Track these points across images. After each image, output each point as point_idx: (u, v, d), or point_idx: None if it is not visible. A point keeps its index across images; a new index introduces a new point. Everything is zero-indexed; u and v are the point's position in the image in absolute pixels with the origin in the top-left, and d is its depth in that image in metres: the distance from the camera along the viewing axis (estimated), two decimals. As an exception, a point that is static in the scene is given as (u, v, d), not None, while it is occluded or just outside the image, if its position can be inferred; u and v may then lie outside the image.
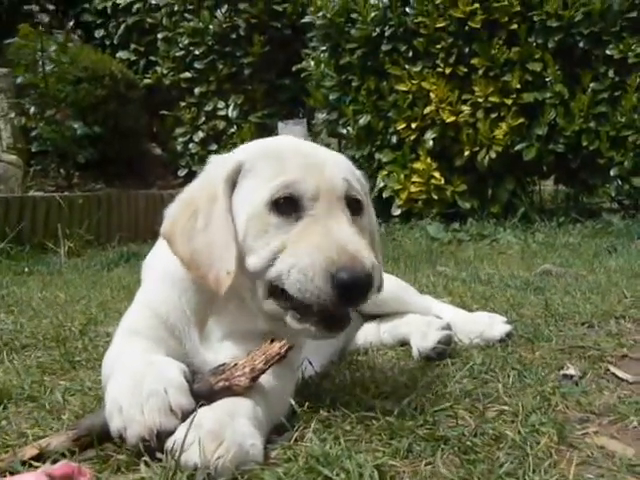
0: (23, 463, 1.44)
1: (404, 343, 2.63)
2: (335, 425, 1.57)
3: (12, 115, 9.17)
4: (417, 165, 8.22)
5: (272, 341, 1.66)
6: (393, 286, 2.73)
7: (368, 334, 2.71)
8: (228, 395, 1.56)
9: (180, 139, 10.95)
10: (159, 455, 1.38)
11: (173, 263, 1.88)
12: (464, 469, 1.38)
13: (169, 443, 1.39)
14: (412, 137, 8.30)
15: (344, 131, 9.00)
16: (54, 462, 1.41)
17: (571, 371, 2.17)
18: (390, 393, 1.93)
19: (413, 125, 8.25)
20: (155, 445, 1.41)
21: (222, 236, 1.76)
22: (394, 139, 8.47)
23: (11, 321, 3.41)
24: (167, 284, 1.94)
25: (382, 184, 8.51)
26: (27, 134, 9.15)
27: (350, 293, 1.64)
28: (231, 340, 1.87)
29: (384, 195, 8.49)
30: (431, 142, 8.14)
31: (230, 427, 1.42)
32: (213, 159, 1.92)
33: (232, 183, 1.80)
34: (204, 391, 1.57)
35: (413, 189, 8.23)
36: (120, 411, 1.48)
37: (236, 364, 1.61)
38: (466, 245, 7.00)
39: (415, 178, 8.21)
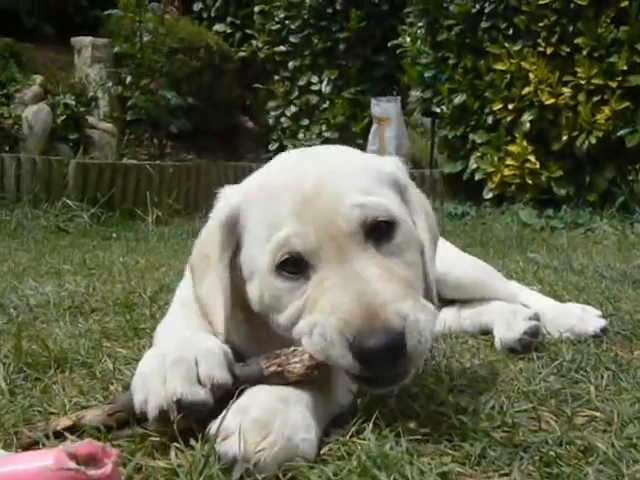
0: (56, 434, 1.34)
1: (486, 332, 2.42)
2: (400, 421, 1.40)
3: (109, 84, 9.32)
4: (512, 148, 7.90)
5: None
6: (476, 269, 2.52)
7: (447, 319, 2.49)
8: (279, 382, 1.40)
9: (272, 113, 10.91)
10: (193, 442, 1.24)
11: None
12: (544, 484, 1.19)
13: (209, 428, 1.25)
14: (508, 118, 7.98)
15: (438, 110, 8.77)
16: (89, 436, 1.30)
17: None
18: (466, 387, 1.75)
19: (510, 106, 7.93)
20: (175, 418, 1.26)
21: (215, 295, 1.58)
22: (490, 120, 8.18)
23: (85, 284, 3.39)
24: None
25: (475, 166, 8.27)
26: (123, 103, 9.29)
27: (376, 360, 1.35)
28: None
29: (476, 177, 8.25)
30: (528, 124, 7.78)
31: (281, 416, 1.26)
32: (222, 192, 1.69)
33: (230, 231, 1.60)
34: (253, 375, 1.41)
35: (507, 172, 7.93)
36: (144, 384, 1.34)
37: (295, 350, 1.45)
38: (559, 233, 6.67)
39: (509, 161, 7.91)
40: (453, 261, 2.46)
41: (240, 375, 1.42)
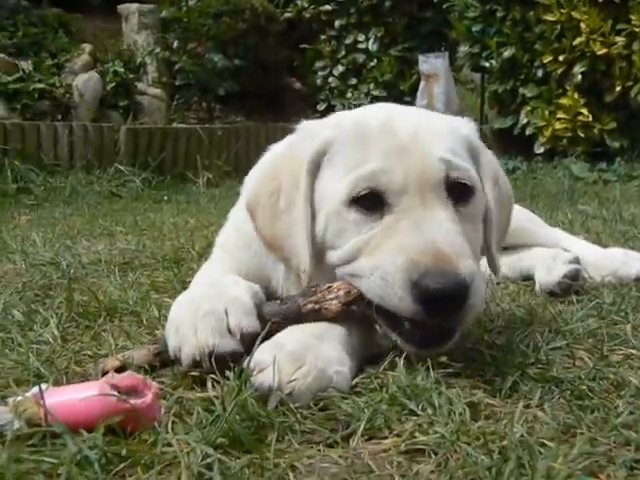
0: (104, 373, 1.40)
1: (527, 278, 2.42)
2: (432, 356, 1.42)
3: (157, 50, 9.38)
4: (563, 101, 7.73)
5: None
6: (517, 216, 2.48)
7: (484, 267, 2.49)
8: (317, 319, 1.45)
9: (320, 73, 10.83)
10: (228, 374, 1.29)
11: None
12: (574, 415, 1.21)
13: (245, 362, 1.30)
14: (559, 71, 7.78)
15: (487, 64, 8.60)
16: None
17: None
18: (503, 328, 1.77)
19: (561, 58, 7.73)
20: (208, 367, 1.31)
21: (300, 231, 1.54)
22: (540, 73, 8.00)
23: (135, 242, 3.48)
24: None
25: (525, 120, 8.12)
26: (171, 68, 9.36)
27: (437, 305, 1.34)
28: None
29: (527, 132, 8.10)
30: (580, 76, 7.59)
31: (314, 350, 1.31)
32: (303, 126, 1.69)
33: (316, 166, 1.57)
34: (291, 314, 1.46)
35: (558, 126, 7.77)
36: (176, 330, 1.39)
37: (330, 286, 1.49)
38: (612, 186, 6.54)
39: (561, 114, 7.74)
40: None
41: (278, 312, 1.46)
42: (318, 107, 10.77)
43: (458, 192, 1.52)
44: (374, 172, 1.48)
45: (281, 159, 1.68)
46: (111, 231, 4.29)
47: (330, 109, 10.62)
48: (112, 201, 6.48)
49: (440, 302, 1.33)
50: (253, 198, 1.69)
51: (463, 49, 9.16)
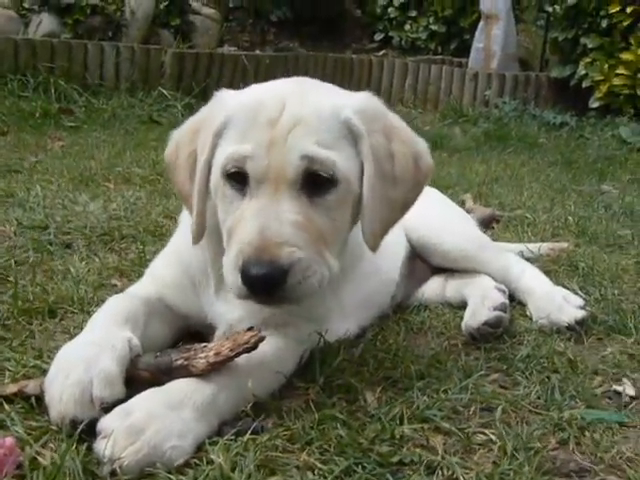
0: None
1: (465, 306, 2.39)
2: (289, 423, 1.50)
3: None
4: (626, 55, 7.41)
5: (249, 330, 1.60)
6: (467, 242, 2.47)
7: (430, 290, 2.51)
8: (185, 375, 1.53)
9: (380, 2, 10.52)
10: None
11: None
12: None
13: (99, 423, 1.41)
14: (625, 23, 7.44)
15: (550, 9, 8.22)
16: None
17: (625, 389, 1.81)
18: (392, 382, 1.78)
19: (629, 9, 7.37)
20: (69, 432, 1.42)
21: (197, 193, 1.76)
22: (604, 23, 7.63)
23: (131, 201, 3.57)
24: None
25: (583, 72, 7.81)
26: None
27: (257, 286, 1.57)
28: None
29: (583, 84, 7.79)
30: (646, 30, 7.22)
31: (158, 423, 1.38)
32: (220, 94, 1.83)
33: (219, 136, 1.74)
34: (163, 366, 1.56)
35: (616, 82, 7.48)
36: (49, 388, 1.49)
37: (206, 346, 1.57)
38: (658, 158, 6.27)
39: (621, 70, 7.44)
40: (444, 232, 2.44)
41: (151, 365, 1.56)
42: (375, 37, 10.53)
43: (318, 184, 1.66)
44: (244, 155, 1.65)
45: (198, 124, 1.84)
46: (128, 174, 4.39)
47: (387, 40, 10.38)
48: (150, 127, 6.52)
49: (259, 284, 1.56)
50: (173, 154, 1.87)
51: (528, -10, 8.80)
